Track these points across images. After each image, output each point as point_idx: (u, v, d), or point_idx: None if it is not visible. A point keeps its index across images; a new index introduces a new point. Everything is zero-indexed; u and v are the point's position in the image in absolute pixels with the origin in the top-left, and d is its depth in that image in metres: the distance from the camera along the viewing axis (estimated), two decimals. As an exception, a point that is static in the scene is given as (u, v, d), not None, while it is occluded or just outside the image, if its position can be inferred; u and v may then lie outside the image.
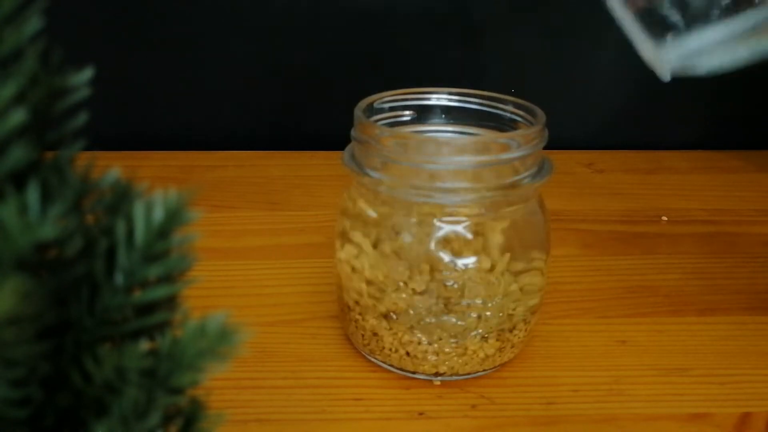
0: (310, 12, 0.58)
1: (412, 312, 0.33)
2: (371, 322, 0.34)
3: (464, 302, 0.32)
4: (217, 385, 0.16)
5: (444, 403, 0.33)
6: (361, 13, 0.58)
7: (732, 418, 0.33)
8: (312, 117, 0.62)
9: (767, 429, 0.32)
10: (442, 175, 0.31)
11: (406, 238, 0.33)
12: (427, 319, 0.33)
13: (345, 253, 0.34)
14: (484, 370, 0.34)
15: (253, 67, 0.60)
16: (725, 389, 0.35)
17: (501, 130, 0.34)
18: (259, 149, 0.59)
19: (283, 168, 0.56)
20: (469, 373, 0.34)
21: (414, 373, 0.34)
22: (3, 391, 0.14)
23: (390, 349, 0.34)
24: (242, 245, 0.46)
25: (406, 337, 0.33)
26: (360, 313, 0.34)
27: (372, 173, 0.32)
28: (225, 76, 0.60)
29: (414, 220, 0.32)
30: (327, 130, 0.62)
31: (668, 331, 0.39)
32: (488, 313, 0.33)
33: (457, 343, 0.33)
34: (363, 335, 0.35)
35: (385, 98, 0.36)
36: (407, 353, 0.34)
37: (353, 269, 0.34)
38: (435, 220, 0.32)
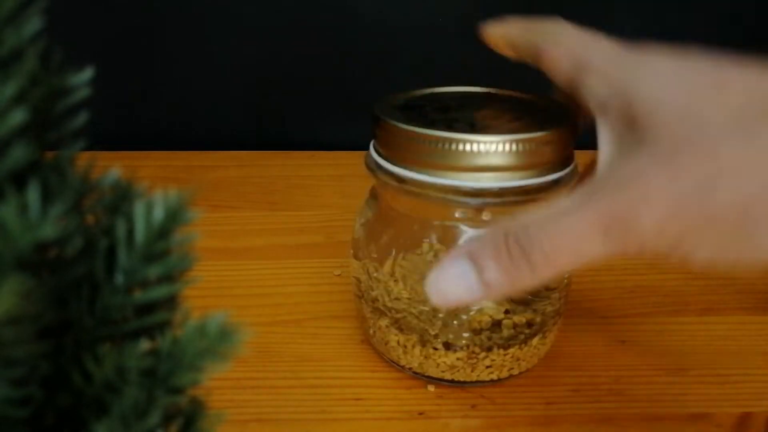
0: (311, 14, 0.58)
1: (389, 303, 0.33)
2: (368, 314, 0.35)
3: (429, 306, 0.32)
4: (217, 385, 0.16)
5: (444, 403, 0.33)
6: (361, 17, 0.58)
7: (732, 418, 0.33)
8: (312, 117, 0.62)
9: (767, 429, 0.32)
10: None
11: (425, 241, 0.33)
12: (402, 316, 0.33)
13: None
14: (452, 381, 0.34)
15: (254, 68, 0.60)
16: (725, 389, 0.35)
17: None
18: (259, 149, 0.59)
19: (283, 168, 0.56)
20: (441, 378, 0.34)
21: (397, 365, 0.35)
22: (3, 390, 0.14)
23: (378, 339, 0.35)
24: (242, 245, 0.46)
25: (388, 332, 0.34)
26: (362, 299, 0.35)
27: (397, 170, 0.31)
28: (225, 76, 0.60)
29: (437, 222, 0.32)
30: (327, 130, 0.62)
31: (668, 331, 0.39)
32: (454, 322, 0.33)
33: (423, 346, 0.33)
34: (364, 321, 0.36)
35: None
36: (386, 343, 0.34)
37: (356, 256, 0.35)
38: (460, 225, 0.32)
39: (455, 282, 0.25)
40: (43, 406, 0.15)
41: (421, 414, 0.33)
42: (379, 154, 0.32)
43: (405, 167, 0.30)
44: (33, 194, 0.13)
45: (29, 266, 0.13)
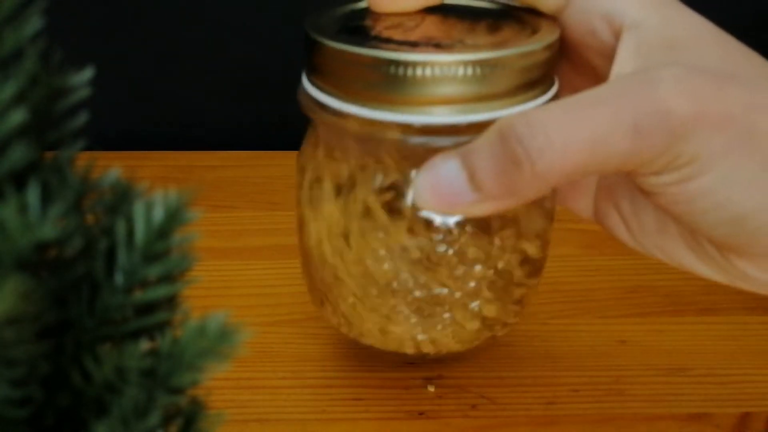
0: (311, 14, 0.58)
1: (395, 285, 0.29)
2: (346, 299, 0.31)
3: (459, 271, 0.29)
4: (217, 385, 0.16)
5: (444, 403, 0.33)
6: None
7: (732, 418, 0.33)
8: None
9: (767, 429, 0.32)
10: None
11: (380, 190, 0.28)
12: (416, 293, 0.29)
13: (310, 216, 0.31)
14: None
15: (254, 67, 0.60)
16: (725, 389, 0.35)
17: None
18: (259, 149, 0.59)
19: (283, 168, 0.56)
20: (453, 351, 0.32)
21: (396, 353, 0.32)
22: (3, 390, 0.14)
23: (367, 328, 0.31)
24: (242, 245, 0.46)
25: (387, 316, 0.30)
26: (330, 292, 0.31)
27: (343, 106, 0.25)
28: (225, 75, 0.60)
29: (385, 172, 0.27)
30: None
31: (668, 331, 0.39)
32: (489, 281, 0.30)
33: (450, 317, 0.30)
34: (336, 312, 0.32)
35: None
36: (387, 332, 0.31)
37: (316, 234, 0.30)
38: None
39: (443, 185, 0.21)
40: (43, 406, 0.15)
41: (421, 414, 0.33)
42: (317, 86, 0.27)
43: (358, 104, 0.25)
44: (33, 194, 0.13)
45: (29, 266, 0.13)
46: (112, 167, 0.15)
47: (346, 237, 0.29)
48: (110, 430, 0.14)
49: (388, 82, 0.24)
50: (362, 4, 0.29)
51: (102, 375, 0.15)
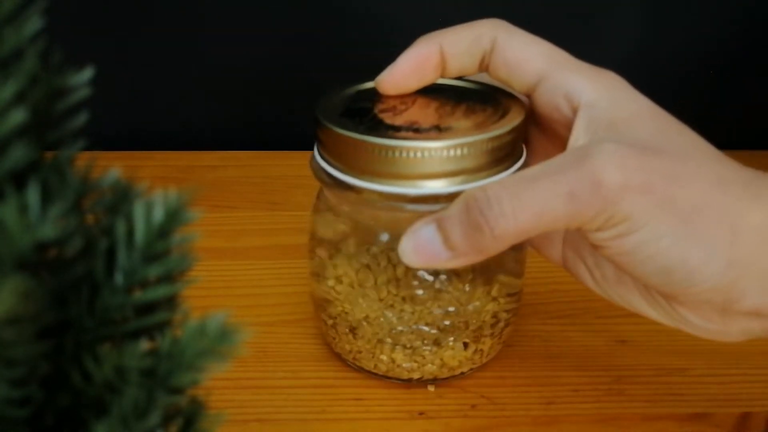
0: (311, 14, 0.58)
1: (382, 320, 0.32)
2: (343, 329, 0.34)
3: (437, 311, 0.32)
4: (217, 385, 0.16)
5: (444, 403, 0.33)
6: (362, 17, 0.58)
7: (732, 418, 0.33)
8: (312, 117, 0.62)
9: (767, 429, 0.32)
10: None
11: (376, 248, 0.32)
12: (399, 328, 0.32)
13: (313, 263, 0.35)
14: (461, 373, 0.34)
15: (254, 67, 0.60)
16: (725, 389, 0.35)
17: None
18: (259, 149, 0.59)
19: (283, 168, 0.56)
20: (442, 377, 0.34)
21: (389, 378, 0.34)
22: (3, 390, 0.14)
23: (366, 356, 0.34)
24: (242, 245, 0.46)
25: (379, 346, 0.33)
26: (333, 323, 0.35)
27: (348, 179, 0.30)
28: (225, 75, 0.60)
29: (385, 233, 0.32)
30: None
31: (668, 331, 0.38)
32: (462, 320, 0.33)
33: (430, 350, 0.33)
34: (336, 339, 0.35)
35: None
36: (382, 359, 0.34)
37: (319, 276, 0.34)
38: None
39: (423, 246, 0.26)
40: (43, 406, 0.15)
41: (421, 414, 0.33)
42: (326, 161, 0.30)
43: (355, 177, 0.29)
44: (33, 194, 0.13)
45: (29, 266, 0.13)
46: (112, 167, 0.15)
47: (342, 278, 0.33)
48: (110, 430, 0.14)
49: (378, 161, 0.28)
50: (369, 84, 0.33)
51: (102, 375, 0.15)
